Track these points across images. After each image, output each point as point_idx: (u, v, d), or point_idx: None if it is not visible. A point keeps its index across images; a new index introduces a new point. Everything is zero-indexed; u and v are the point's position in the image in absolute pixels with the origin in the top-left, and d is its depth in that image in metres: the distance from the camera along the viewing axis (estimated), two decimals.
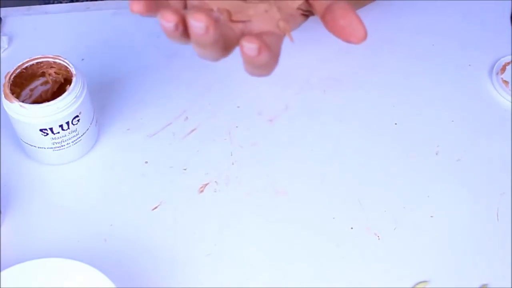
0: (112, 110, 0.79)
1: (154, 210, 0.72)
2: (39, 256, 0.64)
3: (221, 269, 0.68)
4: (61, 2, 0.96)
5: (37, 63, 0.72)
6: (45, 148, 0.71)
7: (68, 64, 0.71)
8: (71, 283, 0.63)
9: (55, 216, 0.71)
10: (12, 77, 0.70)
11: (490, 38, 0.85)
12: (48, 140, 0.70)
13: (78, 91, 0.70)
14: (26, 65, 0.72)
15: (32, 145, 0.72)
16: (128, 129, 0.78)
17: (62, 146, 0.72)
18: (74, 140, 0.72)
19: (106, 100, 0.79)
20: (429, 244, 0.69)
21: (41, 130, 0.69)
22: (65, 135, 0.71)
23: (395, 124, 0.78)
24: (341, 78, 0.82)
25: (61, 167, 0.74)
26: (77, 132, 0.71)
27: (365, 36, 0.49)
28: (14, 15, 0.88)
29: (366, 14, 0.84)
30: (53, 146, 0.71)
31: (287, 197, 0.72)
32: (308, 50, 0.81)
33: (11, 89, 0.70)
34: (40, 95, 0.75)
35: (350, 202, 0.72)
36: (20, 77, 0.72)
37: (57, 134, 0.70)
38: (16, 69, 0.71)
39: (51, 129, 0.69)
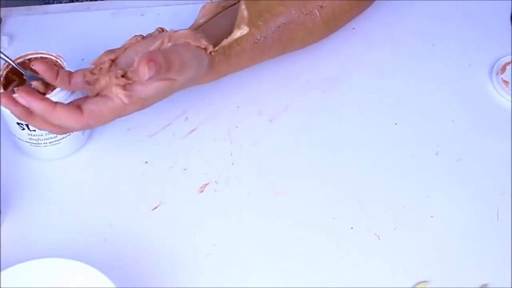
0: None
1: (154, 210, 0.72)
2: (39, 256, 0.64)
3: (221, 269, 0.68)
4: (61, 2, 0.96)
5: (41, 57, 0.73)
6: (23, 140, 0.72)
7: (64, 68, 0.71)
8: (71, 283, 0.63)
9: (55, 216, 0.71)
10: (11, 65, 0.71)
11: (490, 38, 0.85)
12: (25, 134, 0.71)
13: (60, 98, 0.69)
14: (31, 57, 0.72)
15: (13, 134, 0.72)
16: (128, 129, 0.77)
17: (38, 144, 0.72)
18: (52, 142, 0.72)
19: None
20: (429, 244, 0.69)
21: (18, 123, 0.70)
22: (42, 135, 0.71)
23: (395, 124, 0.78)
24: (341, 78, 0.82)
25: (61, 168, 0.74)
26: (55, 135, 0.71)
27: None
28: (14, 15, 0.88)
29: (367, 14, 0.84)
30: (30, 141, 0.72)
31: (287, 197, 0.72)
32: (308, 50, 0.81)
33: (8, 76, 0.71)
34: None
35: (350, 202, 0.72)
36: (23, 66, 0.72)
37: (33, 131, 0.70)
38: (18, 58, 0.72)
39: (27, 125, 0.70)
